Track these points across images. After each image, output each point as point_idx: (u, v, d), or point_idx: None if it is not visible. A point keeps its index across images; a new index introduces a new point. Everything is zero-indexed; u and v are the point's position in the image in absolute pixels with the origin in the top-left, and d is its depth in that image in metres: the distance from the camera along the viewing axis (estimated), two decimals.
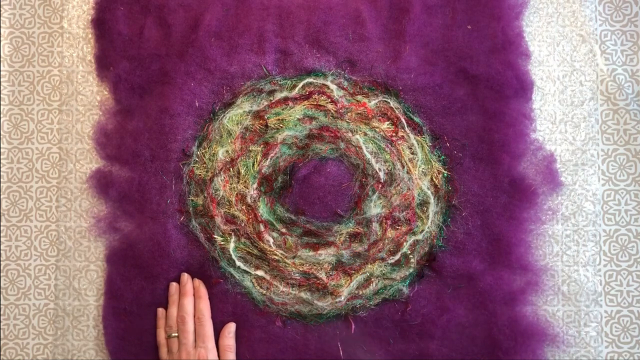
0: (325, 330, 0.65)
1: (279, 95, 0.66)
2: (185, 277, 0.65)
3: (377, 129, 0.66)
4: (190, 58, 0.66)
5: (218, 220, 0.66)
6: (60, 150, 0.69)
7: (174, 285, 0.65)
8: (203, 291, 0.65)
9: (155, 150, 0.66)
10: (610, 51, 0.69)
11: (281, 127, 0.66)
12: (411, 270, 0.65)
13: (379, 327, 0.65)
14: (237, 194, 0.66)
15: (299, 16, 0.67)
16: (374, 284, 0.65)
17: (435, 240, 0.66)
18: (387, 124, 0.66)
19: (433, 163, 0.66)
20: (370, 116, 0.66)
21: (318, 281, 0.65)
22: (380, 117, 0.66)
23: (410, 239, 0.65)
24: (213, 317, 0.65)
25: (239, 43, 0.67)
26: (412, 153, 0.66)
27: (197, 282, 0.65)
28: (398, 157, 0.66)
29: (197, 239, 0.66)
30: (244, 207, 0.66)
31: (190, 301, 0.64)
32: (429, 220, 0.65)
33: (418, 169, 0.66)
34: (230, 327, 0.65)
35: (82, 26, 0.70)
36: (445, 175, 0.66)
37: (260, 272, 0.65)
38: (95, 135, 0.68)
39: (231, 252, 0.65)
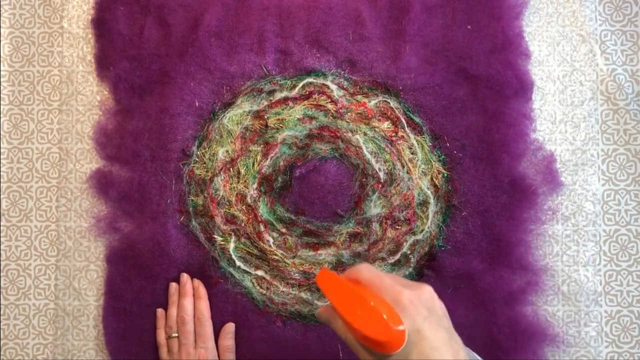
0: (325, 330, 0.65)
1: (279, 95, 0.66)
2: (185, 277, 0.65)
3: (377, 129, 0.66)
4: (190, 58, 0.66)
5: (218, 220, 0.66)
6: (60, 150, 0.69)
7: (173, 286, 0.65)
8: (202, 291, 0.65)
9: (155, 150, 0.66)
10: (610, 51, 0.69)
11: (281, 127, 0.66)
12: (411, 270, 0.65)
13: None
14: (237, 194, 0.66)
15: (299, 16, 0.67)
16: None
17: (435, 240, 0.66)
18: (387, 124, 0.66)
19: (433, 163, 0.66)
20: (370, 116, 0.66)
21: None
22: (380, 117, 0.66)
23: (410, 239, 0.65)
24: (213, 317, 0.65)
25: (239, 43, 0.67)
26: (412, 153, 0.66)
27: (197, 282, 0.65)
28: (398, 157, 0.66)
29: (197, 239, 0.66)
30: (244, 207, 0.66)
31: (190, 301, 0.64)
32: (429, 220, 0.65)
33: (418, 169, 0.66)
34: (229, 328, 0.64)
35: (82, 26, 0.70)
36: (445, 175, 0.66)
37: (260, 272, 0.65)
38: (95, 135, 0.68)
39: (231, 252, 0.65)
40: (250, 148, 0.66)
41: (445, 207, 0.66)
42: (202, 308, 0.64)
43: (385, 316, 0.40)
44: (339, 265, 0.65)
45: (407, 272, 0.65)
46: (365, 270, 0.44)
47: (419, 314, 0.41)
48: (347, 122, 0.66)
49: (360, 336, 0.41)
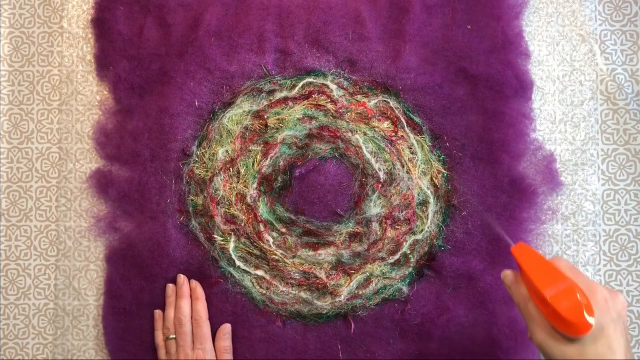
0: (325, 330, 0.65)
1: (279, 95, 0.67)
2: (182, 278, 0.65)
3: (377, 129, 0.66)
4: (190, 58, 0.66)
5: (218, 220, 0.66)
6: (60, 150, 0.69)
7: (170, 287, 0.65)
8: (200, 292, 0.65)
9: (155, 150, 0.66)
10: (610, 51, 0.69)
11: (281, 127, 0.66)
12: (411, 270, 0.65)
13: (379, 327, 0.65)
14: (237, 194, 0.66)
15: (299, 16, 0.67)
16: (374, 284, 0.65)
17: (435, 240, 0.66)
18: (387, 124, 0.66)
19: (433, 163, 0.66)
20: (370, 116, 0.66)
21: (318, 281, 0.65)
22: (380, 117, 0.66)
23: (410, 239, 0.65)
24: (213, 318, 0.65)
25: (239, 43, 0.67)
26: (412, 153, 0.66)
27: (194, 283, 0.65)
28: (398, 157, 0.66)
29: (197, 239, 0.66)
30: (244, 207, 0.66)
31: (187, 303, 0.64)
32: (429, 220, 0.65)
33: (418, 169, 0.66)
34: (226, 329, 0.64)
35: (82, 26, 0.70)
36: (445, 175, 0.66)
37: (260, 272, 0.65)
38: (95, 135, 0.68)
39: (231, 252, 0.65)
40: (250, 148, 0.66)
41: (445, 207, 0.66)
42: (200, 309, 0.64)
43: (580, 299, 0.41)
44: (339, 266, 0.65)
45: (407, 272, 0.65)
46: (564, 260, 0.47)
47: (608, 314, 0.42)
48: (347, 122, 0.66)
49: (547, 310, 0.42)
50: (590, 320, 0.41)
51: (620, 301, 0.44)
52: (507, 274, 0.50)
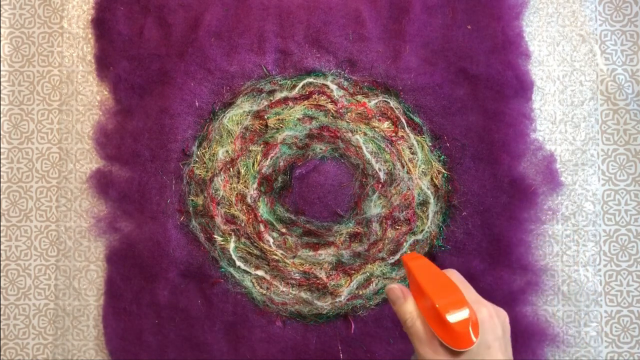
0: (325, 330, 0.65)
1: (279, 95, 0.67)
2: None
3: (377, 129, 0.66)
4: (190, 58, 0.66)
5: (218, 220, 0.66)
6: (60, 150, 0.69)
7: None
8: None
9: (155, 150, 0.66)
10: (610, 51, 0.69)
11: (281, 127, 0.66)
12: None
13: (379, 327, 0.65)
14: (237, 194, 0.66)
15: (299, 16, 0.67)
16: (374, 284, 0.65)
17: (435, 240, 0.66)
18: (387, 124, 0.66)
19: (433, 163, 0.66)
20: (370, 116, 0.66)
21: (318, 281, 0.65)
22: (380, 117, 0.66)
23: (410, 239, 0.65)
24: (213, 317, 0.65)
25: (239, 43, 0.67)
26: (412, 153, 0.66)
27: None
28: (398, 157, 0.66)
29: (197, 239, 0.66)
30: (244, 207, 0.66)
31: None
32: (429, 220, 0.65)
33: (418, 169, 0.66)
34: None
35: (82, 26, 0.70)
36: (445, 175, 0.66)
37: (260, 272, 0.65)
38: (95, 135, 0.68)
39: (231, 252, 0.65)
40: (250, 148, 0.66)
41: (445, 207, 0.66)
42: None
43: (469, 313, 0.41)
44: (339, 266, 0.65)
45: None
46: (456, 273, 0.45)
47: (494, 332, 0.42)
48: (347, 122, 0.66)
49: (435, 321, 0.41)
50: (474, 337, 0.40)
51: (503, 315, 0.43)
52: (393, 288, 0.46)
